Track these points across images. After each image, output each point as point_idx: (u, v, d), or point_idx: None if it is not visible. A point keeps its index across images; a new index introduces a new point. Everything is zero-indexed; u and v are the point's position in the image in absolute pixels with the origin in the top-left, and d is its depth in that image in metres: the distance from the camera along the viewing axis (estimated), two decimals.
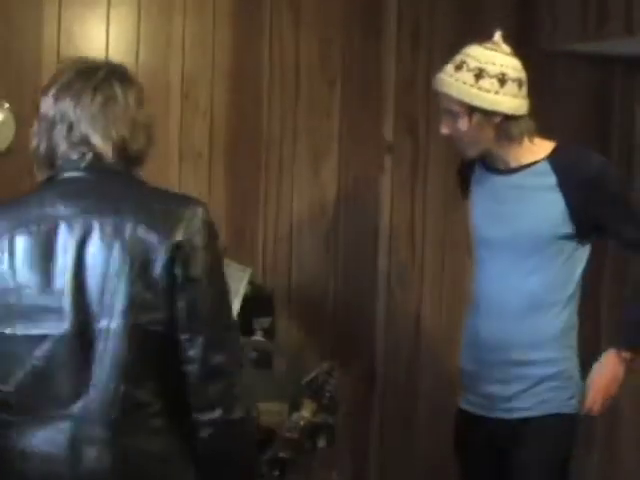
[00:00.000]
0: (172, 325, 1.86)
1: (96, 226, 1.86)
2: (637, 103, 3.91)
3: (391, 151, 3.74)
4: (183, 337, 1.85)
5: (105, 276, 1.85)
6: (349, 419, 2.96)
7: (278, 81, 3.59)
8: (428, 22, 3.74)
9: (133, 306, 1.84)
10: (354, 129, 3.69)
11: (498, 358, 2.73)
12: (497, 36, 2.69)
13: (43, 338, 1.86)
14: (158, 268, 1.84)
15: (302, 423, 2.75)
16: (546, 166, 2.69)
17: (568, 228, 2.67)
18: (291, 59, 3.60)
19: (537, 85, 3.87)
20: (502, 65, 2.62)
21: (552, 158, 2.69)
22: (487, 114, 2.62)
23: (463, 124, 2.64)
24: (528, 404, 2.72)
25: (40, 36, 3.30)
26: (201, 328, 1.86)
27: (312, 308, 3.62)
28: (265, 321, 3.31)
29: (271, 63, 3.58)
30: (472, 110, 2.62)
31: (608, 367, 2.75)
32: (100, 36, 3.36)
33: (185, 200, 1.95)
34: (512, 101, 2.62)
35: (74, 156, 1.94)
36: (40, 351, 1.86)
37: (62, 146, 1.94)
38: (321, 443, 2.83)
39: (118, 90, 1.96)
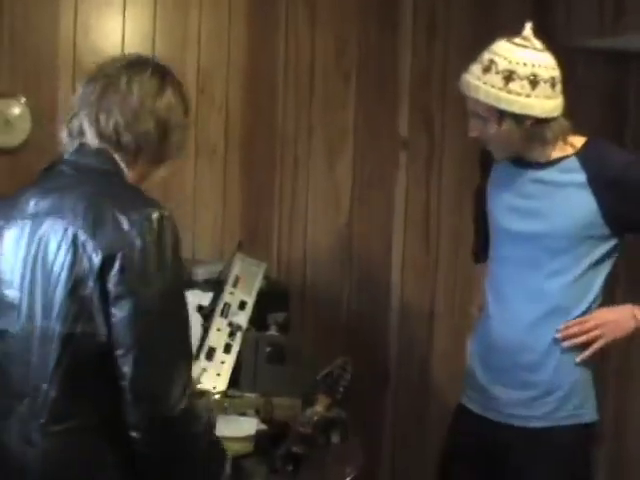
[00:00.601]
0: (110, 339, 1.78)
1: (52, 228, 1.84)
2: None
3: (406, 146, 3.74)
4: (117, 352, 1.77)
5: (50, 280, 1.82)
6: (362, 415, 2.95)
7: (293, 76, 3.59)
8: (444, 16, 3.72)
9: (69, 314, 1.79)
10: (369, 124, 3.69)
11: (509, 361, 2.62)
12: (527, 30, 2.49)
13: (4, 333, 1.87)
14: (91, 280, 1.78)
15: (316, 418, 2.73)
16: (575, 162, 2.53)
17: (600, 228, 2.53)
18: (306, 54, 3.60)
19: None
20: (534, 65, 2.43)
21: (581, 154, 2.54)
22: (518, 118, 2.45)
23: (492, 128, 2.49)
24: (537, 413, 2.60)
25: (56, 31, 3.31)
26: (133, 346, 1.76)
27: (326, 303, 3.63)
28: (279, 316, 3.30)
29: (286, 58, 3.58)
30: (502, 114, 2.45)
31: (618, 310, 2.61)
32: (116, 31, 3.37)
33: (135, 209, 1.82)
34: (545, 103, 2.45)
35: (69, 147, 1.95)
36: (1, 345, 1.88)
37: (64, 136, 1.96)
38: (334, 438, 2.82)
39: (123, 78, 1.93)
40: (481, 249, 2.90)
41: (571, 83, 3.86)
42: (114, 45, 3.35)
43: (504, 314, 2.64)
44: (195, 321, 3.11)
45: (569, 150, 2.56)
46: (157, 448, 1.81)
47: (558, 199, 2.55)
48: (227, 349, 3.06)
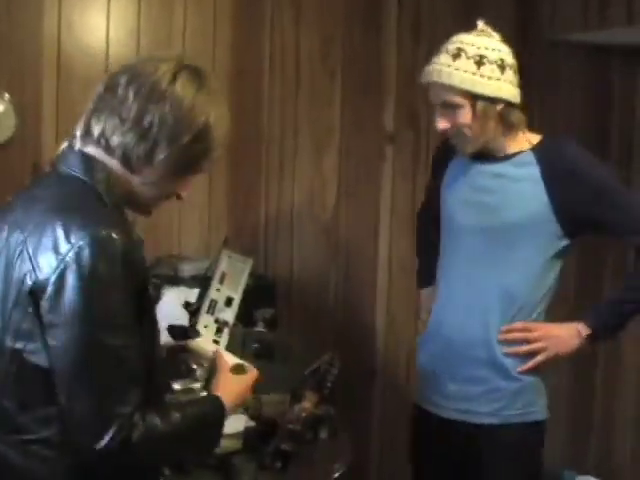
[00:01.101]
0: (49, 362, 1.72)
1: (15, 240, 1.77)
2: (637, 92, 3.91)
3: (392, 141, 3.75)
4: (56, 380, 1.71)
5: (6, 293, 1.77)
6: (350, 410, 2.96)
7: (279, 73, 3.59)
8: (429, 13, 3.73)
9: (16, 330, 1.74)
10: (355, 120, 3.70)
11: (464, 356, 2.60)
12: (482, 24, 2.56)
13: None
14: (26, 298, 1.71)
15: (304, 415, 2.74)
16: (530, 156, 2.56)
17: (551, 225, 2.54)
18: (292, 51, 3.60)
19: (537, 73, 3.90)
20: (500, 51, 2.51)
21: (537, 149, 2.57)
22: (491, 102, 2.49)
23: (466, 115, 2.50)
24: (487, 409, 2.60)
25: (40, 27, 3.29)
26: (63, 376, 1.69)
27: (313, 299, 3.63)
28: (267, 312, 3.30)
29: (272, 55, 3.58)
30: (475, 99, 2.48)
31: (564, 327, 2.61)
32: (100, 27, 3.36)
33: (80, 228, 1.69)
34: (512, 88, 2.51)
35: (66, 154, 1.85)
36: None
37: (68, 139, 1.88)
38: (323, 434, 2.83)
39: (122, 81, 1.80)
40: (427, 271, 2.88)
41: (555, 76, 3.91)
42: (98, 41, 3.34)
43: (455, 308, 2.63)
44: (182, 318, 3.11)
45: (526, 145, 2.59)
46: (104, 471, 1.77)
47: (511, 193, 2.56)
48: None
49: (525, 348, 2.57)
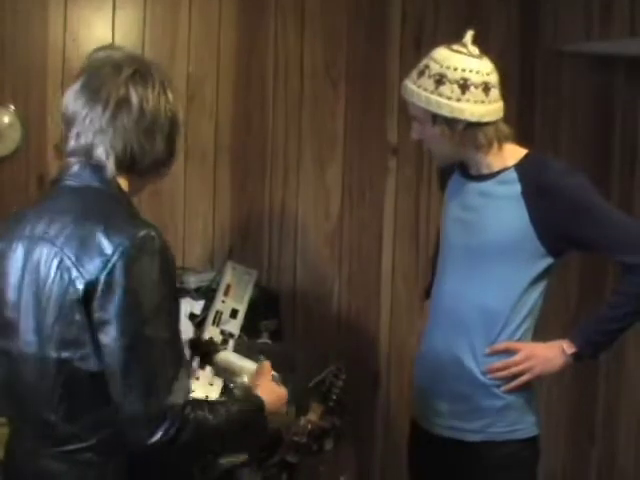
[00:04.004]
0: (101, 364, 1.77)
1: (43, 253, 1.82)
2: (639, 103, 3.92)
3: (395, 152, 3.75)
4: (107, 377, 1.77)
5: (40, 306, 1.81)
6: (354, 421, 2.96)
7: (283, 83, 3.59)
8: (432, 24, 3.73)
9: (61, 341, 1.78)
10: (359, 130, 3.70)
11: (450, 373, 2.61)
12: (468, 36, 2.54)
13: (7, 353, 1.87)
14: (77, 306, 1.76)
15: (309, 427, 2.75)
16: (513, 174, 2.55)
17: (533, 242, 2.52)
18: (295, 61, 3.60)
19: (540, 84, 3.91)
20: (464, 70, 2.47)
21: (520, 166, 2.55)
22: (449, 122, 2.48)
23: (428, 131, 2.54)
24: (473, 426, 2.60)
25: (45, 39, 3.30)
26: (119, 371, 1.75)
27: (318, 310, 3.63)
28: (271, 323, 3.31)
29: (276, 65, 3.58)
30: (435, 117, 2.50)
31: (548, 346, 2.60)
32: (106, 38, 3.35)
33: (120, 231, 1.77)
34: (476, 108, 2.46)
35: (74, 166, 1.88)
36: (5, 366, 1.88)
37: (69, 151, 1.90)
38: (328, 446, 2.84)
39: (134, 96, 1.85)
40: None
41: (558, 87, 3.91)
42: None
43: (442, 325, 2.64)
44: (187, 329, 3.12)
45: (510, 161, 2.58)
46: (162, 461, 1.84)
47: (492, 211, 2.56)
48: None
49: (511, 371, 2.56)
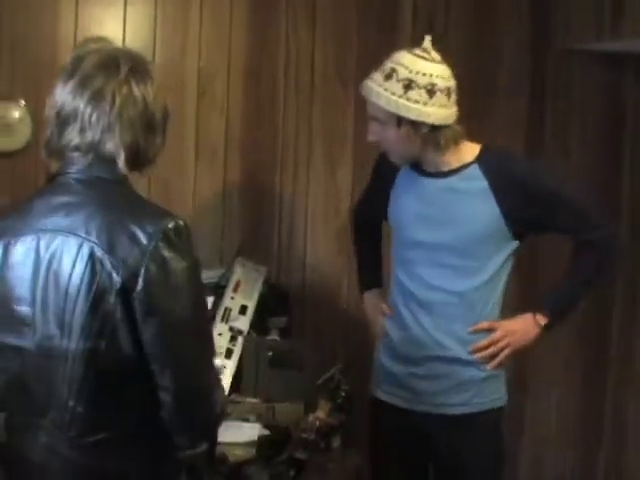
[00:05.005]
0: (138, 352, 1.78)
1: (64, 245, 1.81)
2: None
3: None
4: (153, 367, 1.78)
5: (65, 298, 1.80)
6: (362, 418, 2.96)
7: (293, 80, 3.59)
8: (443, 22, 3.72)
9: (91, 331, 1.78)
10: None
11: (429, 355, 2.71)
12: (427, 42, 2.63)
13: (19, 349, 1.85)
14: (112, 296, 1.76)
15: (317, 424, 2.76)
16: (476, 170, 2.67)
17: (503, 231, 2.66)
18: (306, 59, 3.60)
19: (551, 83, 3.90)
20: (432, 75, 2.57)
21: (480, 162, 2.67)
22: (415, 125, 2.58)
23: (390, 133, 2.62)
24: (455, 400, 2.72)
25: (56, 34, 3.31)
26: (168, 361, 1.78)
27: (327, 307, 3.63)
28: (281, 320, 3.31)
29: (286, 62, 3.57)
30: (400, 120, 2.58)
31: (521, 320, 2.77)
32: (117, 34, 3.36)
33: (150, 221, 1.80)
34: (440, 112, 2.57)
35: (81, 161, 1.88)
36: (17, 362, 1.86)
37: (72, 146, 1.89)
38: (335, 443, 2.84)
39: (137, 91, 1.87)
40: (373, 272, 3.07)
41: (568, 85, 3.91)
42: None
43: (417, 313, 2.73)
44: None
45: (468, 158, 2.70)
46: (196, 446, 1.89)
47: (463, 205, 2.67)
48: (228, 354, 3.07)
49: (490, 350, 2.71)
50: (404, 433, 2.78)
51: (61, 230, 1.82)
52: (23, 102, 3.27)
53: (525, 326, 2.75)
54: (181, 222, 1.81)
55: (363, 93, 2.65)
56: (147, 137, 1.89)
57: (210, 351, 1.88)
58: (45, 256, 1.83)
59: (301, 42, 3.59)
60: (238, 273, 3.25)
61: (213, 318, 3.12)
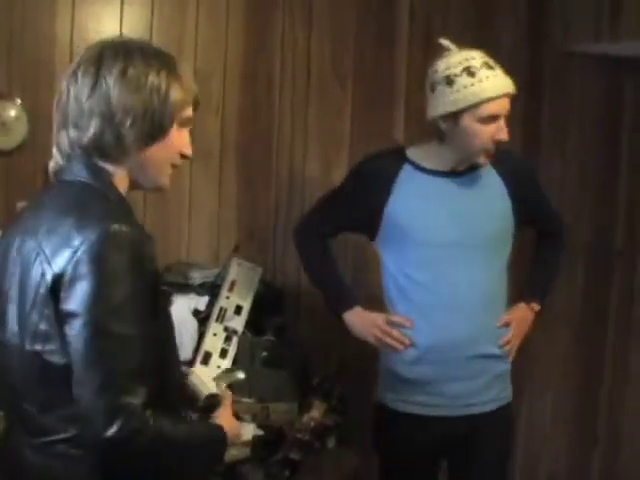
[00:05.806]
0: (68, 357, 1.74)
1: (29, 247, 1.81)
2: None
3: None
4: (74, 373, 1.74)
5: (23, 299, 1.80)
6: (358, 419, 2.96)
7: (290, 81, 3.59)
8: (440, 23, 3.72)
9: (36, 333, 1.77)
10: (365, 129, 3.69)
11: (466, 355, 2.76)
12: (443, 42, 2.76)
13: (0, 343, 1.87)
14: (44, 298, 1.75)
15: (312, 424, 2.75)
16: (489, 167, 2.78)
17: (512, 224, 2.82)
18: (303, 59, 3.60)
19: (549, 84, 3.90)
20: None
21: (493, 161, 2.75)
22: None
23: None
24: (486, 398, 2.80)
25: (53, 33, 3.29)
26: (77, 365, 1.71)
27: (322, 307, 3.62)
28: (276, 320, 3.31)
29: (283, 63, 3.57)
30: None
31: (520, 309, 2.94)
32: (114, 32, 3.35)
33: (92, 224, 1.74)
34: None
35: (61, 161, 1.88)
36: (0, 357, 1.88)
37: (59, 149, 1.89)
38: (330, 443, 2.84)
39: (108, 76, 1.83)
40: (349, 291, 3.07)
41: (567, 87, 3.90)
42: None
43: (449, 313, 2.74)
44: (191, 325, 3.12)
45: None
46: (112, 464, 1.76)
47: (484, 204, 2.77)
48: (223, 354, 3.07)
49: (516, 340, 2.88)
50: (425, 439, 2.82)
51: (29, 232, 1.83)
52: (19, 101, 3.26)
53: (525, 315, 2.95)
54: (125, 229, 1.74)
55: (496, 93, 2.64)
56: (110, 124, 1.82)
57: (117, 366, 1.71)
58: (19, 256, 1.84)
59: (298, 43, 3.58)
60: (234, 273, 3.25)
61: (208, 318, 3.12)
